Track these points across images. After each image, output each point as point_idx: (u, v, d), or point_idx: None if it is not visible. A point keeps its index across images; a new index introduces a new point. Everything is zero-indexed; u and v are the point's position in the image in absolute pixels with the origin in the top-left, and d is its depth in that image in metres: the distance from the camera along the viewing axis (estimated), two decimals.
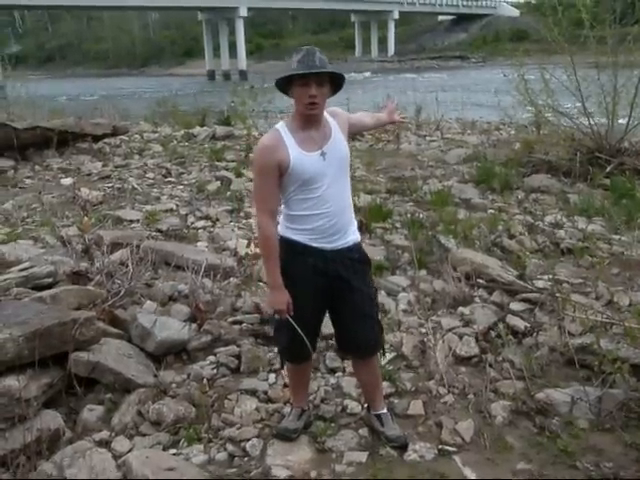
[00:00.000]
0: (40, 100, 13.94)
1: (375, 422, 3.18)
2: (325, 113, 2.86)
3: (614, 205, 6.85)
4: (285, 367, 3.22)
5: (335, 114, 2.93)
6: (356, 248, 2.96)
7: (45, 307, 3.62)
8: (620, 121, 8.56)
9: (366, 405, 3.32)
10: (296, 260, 2.84)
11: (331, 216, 2.80)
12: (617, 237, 5.95)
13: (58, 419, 3.10)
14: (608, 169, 7.95)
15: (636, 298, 4.52)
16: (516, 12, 72.72)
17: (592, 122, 8.50)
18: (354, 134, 3.26)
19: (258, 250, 5.34)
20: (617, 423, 3.17)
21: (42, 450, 2.91)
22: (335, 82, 2.79)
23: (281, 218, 2.91)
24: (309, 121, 2.76)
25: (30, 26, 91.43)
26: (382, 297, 4.44)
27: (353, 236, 2.94)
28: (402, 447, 3.06)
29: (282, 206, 2.89)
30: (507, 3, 77.63)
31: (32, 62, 79.07)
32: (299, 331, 2.84)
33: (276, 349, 3.39)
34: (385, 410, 3.21)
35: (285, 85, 2.74)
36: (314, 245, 2.83)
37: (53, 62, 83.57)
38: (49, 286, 4.24)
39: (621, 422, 3.18)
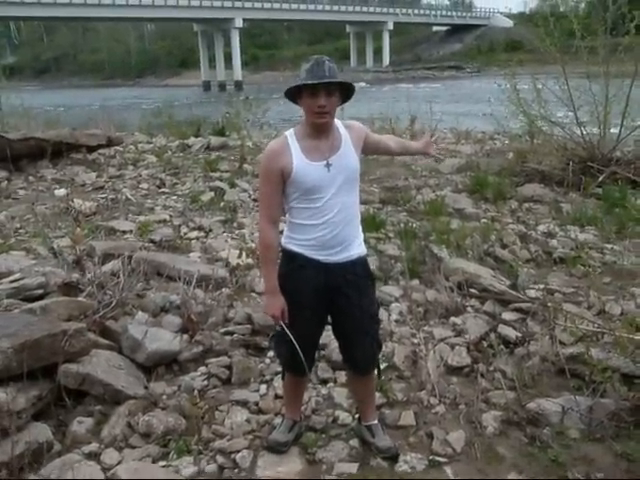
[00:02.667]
0: (35, 111, 13.95)
1: (366, 433, 3.17)
2: (339, 124, 2.84)
3: (606, 214, 6.89)
4: (285, 379, 3.19)
5: (350, 127, 2.89)
6: (360, 262, 2.91)
7: (35, 319, 3.60)
8: (612, 130, 8.61)
9: (357, 416, 3.32)
10: (296, 273, 2.82)
11: (332, 227, 2.77)
12: (609, 246, 5.97)
13: (47, 432, 3.08)
14: (600, 178, 7.98)
15: (627, 307, 4.54)
16: (510, 23, 73.20)
17: (584, 132, 8.55)
18: (372, 153, 3.20)
19: (250, 260, 5.37)
20: (608, 433, 3.16)
21: (30, 463, 2.89)
22: (345, 90, 2.76)
23: (285, 228, 2.89)
24: (318, 130, 2.74)
25: (26, 37, 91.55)
26: None
27: (357, 250, 2.89)
28: (393, 458, 3.04)
29: (287, 215, 2.88)
30: (501, 14, 78.11)
31: (28, 73, 79.24)
32: (293, 341, 2.81)
33: (277, 361, 3.35)
34: (376, 421, 3.20)
35: (295, 94, 2.72)
36: (315, 257, 2.80)
37: (49, 73, 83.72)
38: (40, 297, 4.23)
39: (612, 432, 3.17)
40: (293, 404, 3.24)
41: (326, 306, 2.91)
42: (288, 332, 2.81)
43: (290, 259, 2.83)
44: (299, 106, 2.75)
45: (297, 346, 2.82)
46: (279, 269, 2.85)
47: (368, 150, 3.02)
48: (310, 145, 2.74)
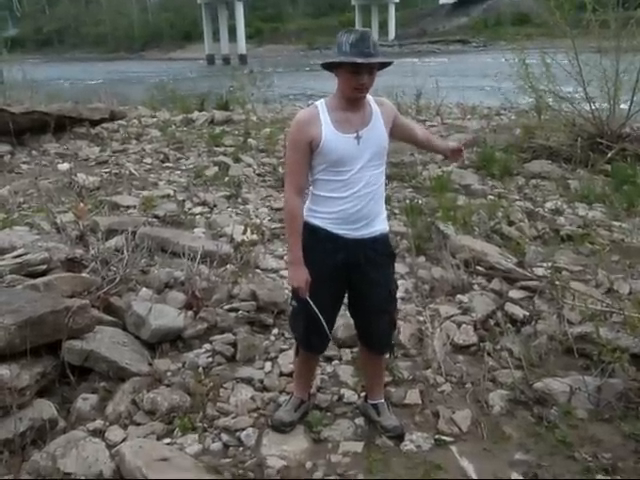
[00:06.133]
0: (37, 84, 13.83)
1: (371, 411, 3.15)
2: (371, 99, 2.79)
3: (615, 191, 6.81)
4: (298, 355, 3.13)
5: (382, 104, 2.84)
6: (382, 239, 2.87)
7: (38, 295, 3.58)
8: (622, 106, 8.48)
9: (363, 394, 3.30)
10: (317, 246, 2.78)
11: (357, 201, 2.72)
12: (617, 224, 5.92)
13: (51, 409, 3.07)
14: (609, 155, 7.88)
15: (636, 286, 4.48)
16: None
17: (593, 107, 8.43)
18: (397, 138, 3.07)
19: (255, 237, 5.33)
20: (616, 413, 3.14)
21: (34, 440, 2.88)
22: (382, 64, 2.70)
23: (307, 201, 2.84)
24: (352, 103, 2.69)
25: (28, 9, 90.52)
26: None
27: (380, 226, 2.85)
28: (399, 437, 3.03)
29: (310, 187, 2.84)
30: None
31: (30, 45, 78.28)
32: (318, 314, 2.77)
33: (293, 336, 3.23)
34: (382, 400, 3.18)
35: (332, 64, 2.64)
36: (337, 232, 2.76)
37: (51, 46, 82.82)
38: (43, 273, 4.20)
39: (620, 412, 3.15)
40: (303, 383, 3.22)
41: (344, 283, 2.87)
42: (312, 304, 2.76)
43: (311, 233, 2.78)
44: (335, 75, 2.67)
45: (321, 318, 2.79)
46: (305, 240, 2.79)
47: (395, 133, 2.93)
48: (342, 117, 2.68)
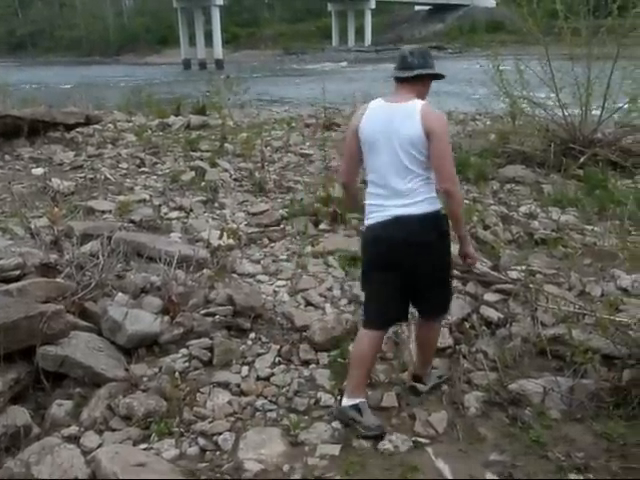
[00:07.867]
0: (10, 88, 13.67)
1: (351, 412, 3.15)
2: None
3: (587, 196, 6.92)
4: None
5: None
6: None
7: (12, 300, 3.55)
8: (593, 112, 8.62)
9: (339, 397, 3.31)
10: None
11: None
12: (590, 227, 6.01)
13: (25, 415, 3.04)
14: (581, 160, 8.00)
15: (608, 288, 4.57)
16: (492, 3, 72.74)
17: (566, 113, 8.55)
18: None
19: (231, 241, 5.33)
20: (588, 413, 3.20)
21: (8, 447, 2.85)
22: None
23: (430, 190, 3.13)
24: None
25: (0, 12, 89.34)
26: (357, 288, 4.41)
27: None
28: (380, 437, 3.05)
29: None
30: None
31: (2, 49, 77.47)
32: None
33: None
34: (363, 399, 3.18)
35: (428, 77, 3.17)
36: None
37: (24, 49, 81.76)
38: (17, 278, 4.14)
39: (592, 412, 3.21)
40: None
41: None
42: None
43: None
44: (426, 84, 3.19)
45: None
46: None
47: None
48: None
